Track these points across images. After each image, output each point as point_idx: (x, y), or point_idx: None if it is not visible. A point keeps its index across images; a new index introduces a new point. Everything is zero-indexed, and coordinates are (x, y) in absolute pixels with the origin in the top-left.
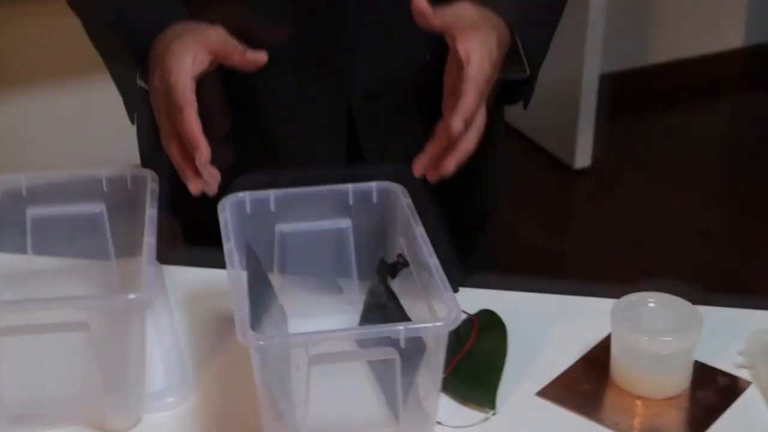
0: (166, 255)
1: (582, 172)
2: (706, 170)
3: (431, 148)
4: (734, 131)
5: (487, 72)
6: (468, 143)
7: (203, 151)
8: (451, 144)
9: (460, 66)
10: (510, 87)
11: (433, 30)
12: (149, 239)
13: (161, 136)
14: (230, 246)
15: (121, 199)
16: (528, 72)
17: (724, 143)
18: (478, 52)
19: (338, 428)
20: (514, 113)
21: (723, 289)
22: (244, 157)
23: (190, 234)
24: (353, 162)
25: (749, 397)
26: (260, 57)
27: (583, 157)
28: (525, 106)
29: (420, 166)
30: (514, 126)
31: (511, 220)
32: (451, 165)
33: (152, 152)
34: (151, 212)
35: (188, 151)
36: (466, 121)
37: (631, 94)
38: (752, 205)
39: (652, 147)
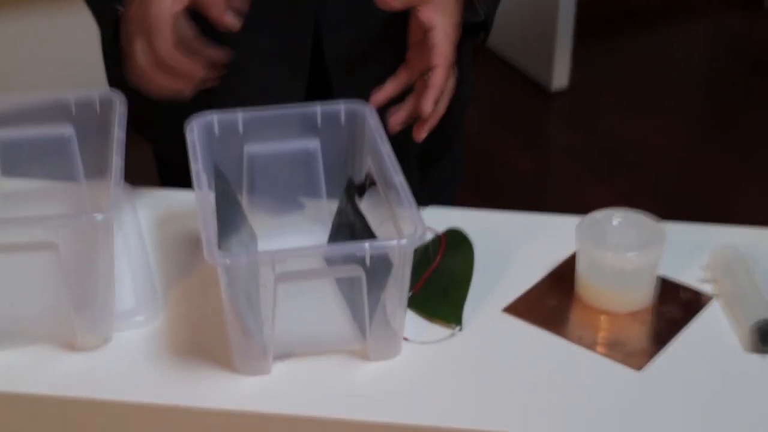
0: (135, 176)
1: (559, 93)
2: (682, 91)
3: (390, 88)
4: (711, 52)
5: (451, 36)
6: (439, 111)
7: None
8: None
9: (424, 29)
10: (466, 27)
11: (396, 10)
12: (117, 160)
13: (128, 65)
14: (198, 167)
15: (90, 122)
16: (482, 17)
17: (700, 64)
18: (440, 18)
19: (305, 345)
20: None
21: (693, 209)
22: (206, 93)
23: (161, 156)
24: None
25: (712, 311)
26: (234, 25)
27: (560, 78)
28: (482, 44)
29: (376, 101)
30: (489, 47)
31: (486, 142)
32: (422, 134)
33: (121, 75)
34: (118, 134)
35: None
36: (436, 99)
37: (609, 14)
38: (727, 126)
39: (629, 68)
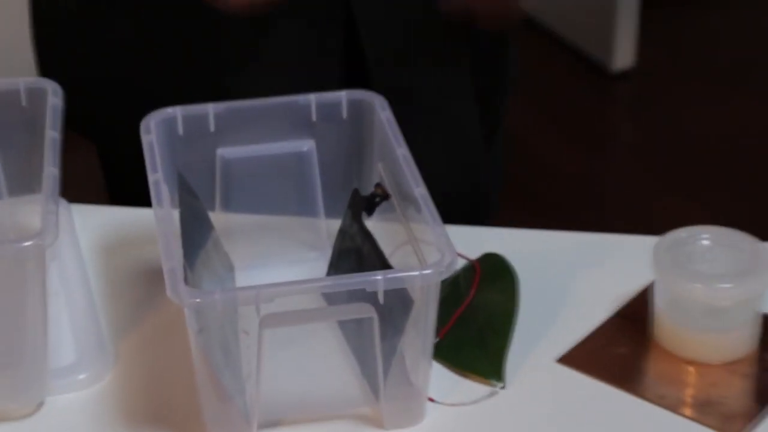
0: (74, 190)
1: (622, 75)
2: None
3: None
4: None
5: None
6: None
7: None
8: None
9: None
10: None
11: None
12: (50, 170)
13: None
14: (157, 177)
15: (14, 120)
16: None
17: None
18: None
19: (299, 409)
20: (537, 2)
21: None
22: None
23: (109, 162)
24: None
25: None
26: None
27: (623, 56)
28: None
29: None
30: (538, 19)
31: (530, 138)
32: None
33: (55, 56)
34: (52, 135)
35: None
36: None
37: None
38: None
39: (708, 45)
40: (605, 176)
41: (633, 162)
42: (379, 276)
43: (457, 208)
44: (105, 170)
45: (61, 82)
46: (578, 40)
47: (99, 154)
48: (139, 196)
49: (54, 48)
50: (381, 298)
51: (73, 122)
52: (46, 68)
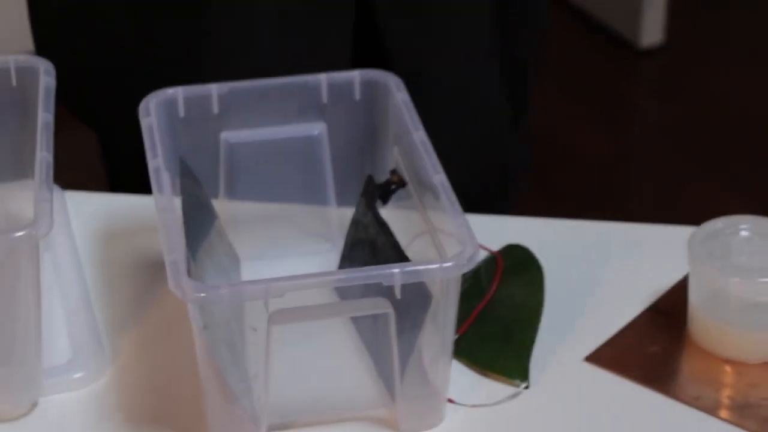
0: (69, 176)
1: (650, 52)
2: None
3: None
4: None
5: None
6: None
7: None
8: None
9: None
10: None
11: None
12: (43, 155)
13: None
14: (157, 163)
15: (3, 101)
16: None
17: None
18: None
19: (311, 411)
20: None
21: None
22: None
23: (109, 149)
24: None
25: None
26: None
27: (651, 32)
28: None
29: None
30: None
31: (551, 119)
32: None
33: (52, 38)
34: (45, 117)
35: None
36: None
37: None
38: None
39: (740, 18)
40: (631, 159)
41: (661, 144)
42: (396, 269)
43: (479, 194)
44: (105, 157)
45: (59, 65)
46: (603, 15)
47: (99, 139)
48: (142, 184)
49: (52, 29)
50: (398, 293)
51: (71, 107)
52: (43, 50)
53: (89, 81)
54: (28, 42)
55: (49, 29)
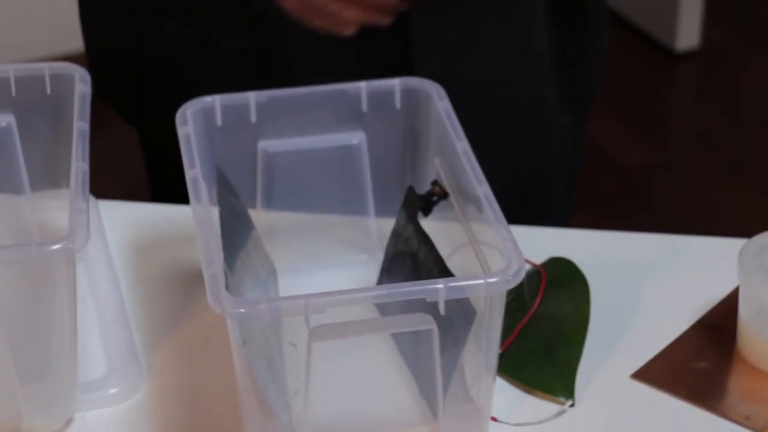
0: (98, 183)
1: (686, 56)
2: None
3: None
4: None
5: None
6: None
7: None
8: None
9: None
10: None
11: None
12: (79, 164)
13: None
14: (195, 173)
15: (38, 108)
16: None
17: None
18: None
19: (350, 429)
20: None
21: None
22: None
23: (151, 155)
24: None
25: None
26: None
27: (688, 35)
28: None
29: None
30: None
31: (588, 125)
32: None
33: (101, 34)
34: (80, 126)
35: None
36: None
37: None
38: None
39: None
40: (669, 166)
41: (699, 149)
42: (440, 284)
43: (529, 207)
44: (148, 164)
45: (107, 62)
46: (639, 18)
47: (142, 145)
48: (178, 191)
49: (101, 26)
50: (442, 309)
51: (118, 106)
52: (92, 48)
53: (136, 78)
54: (61, 46)
55: (99, 24)
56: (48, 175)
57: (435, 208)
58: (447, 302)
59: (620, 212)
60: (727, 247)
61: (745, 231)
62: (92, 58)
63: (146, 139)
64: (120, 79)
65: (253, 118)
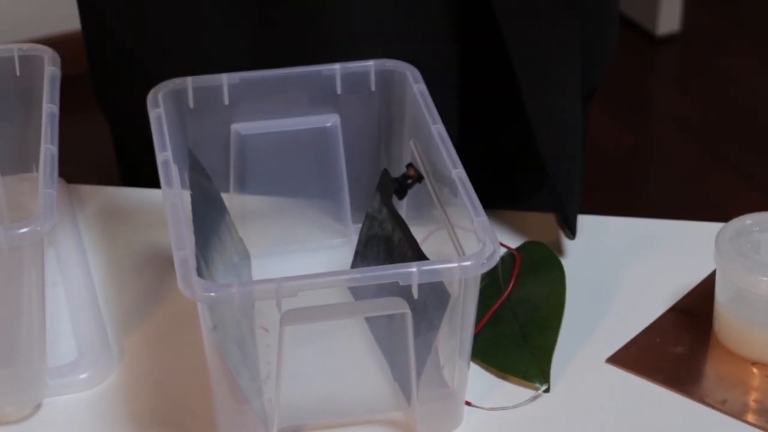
0: (73, 168)
1: (667, 40)
2: None
3: None
4: None
5: None
6: None
7: None
8: None
9: None
10: None
11: None
12: (48, 147)
13: None
14: (166, 156)
15: (6, 91)
16: None
17: None
18: None
19: (323, 415)
20: None
21: None
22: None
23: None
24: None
25: None
26: None
27: (669, 19)
28: None
29: None
30: None
31: None
32: None
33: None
34: (50, 109)
35: None
36: None
37: None
38: None
39: (763, 5)
40: (649, 150)
41: (679, 133)
42: (413, 268)
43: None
44: (117, 147)
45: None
46: (620, 3)
47: (112, 129)
48: (153, 177)
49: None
50: (415, 293)
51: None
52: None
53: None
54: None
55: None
56: (17, 159)
57: (410, 191)
58: (421, 286)
59: (601, 198)
60: (704, 231)
61: (727, 216)
62: (87, 30)
63: (115, 122)
64: (98, 64)
65: (226, 100)
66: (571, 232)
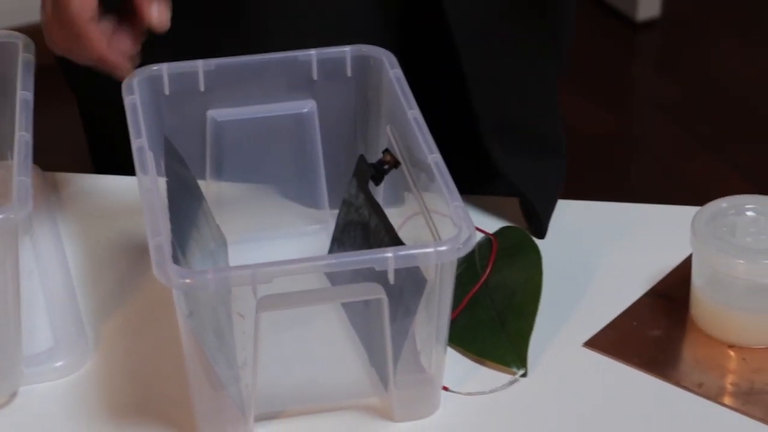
0: (51, 157)
1: (647, 25)
2: None
3: None
4: None
5: None
6: None
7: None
8: None
9: None
10: None
11: None
12: (22, 134)
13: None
14: (141, 143)
15: None
16: None
17: None
18: None
19: (300, 400)
20: None
21: None
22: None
23: (93, 126)
24: None
25: None
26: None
27: (649, 5)
28: None
29: None
30: None
31: None
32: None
33: None
34: (24, 96)
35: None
36: None
37: None
38: None
39: None
40: (630, 135)
41: (660, 118)
42: (389, 253)
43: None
44: (88, 135)
45: None
46: None
47: (82, 115)
48: (126, 164)
49: None
50: (391, 278)
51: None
52: None
53: None
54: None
55: None
56: None
57: (387, 177)
58: (397, 271)
59: (583, 183)
60: (681, 214)
61: (707, 198)
62: None
63: (87, 107)
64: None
65: (202, 87)
66: (539, 232)
